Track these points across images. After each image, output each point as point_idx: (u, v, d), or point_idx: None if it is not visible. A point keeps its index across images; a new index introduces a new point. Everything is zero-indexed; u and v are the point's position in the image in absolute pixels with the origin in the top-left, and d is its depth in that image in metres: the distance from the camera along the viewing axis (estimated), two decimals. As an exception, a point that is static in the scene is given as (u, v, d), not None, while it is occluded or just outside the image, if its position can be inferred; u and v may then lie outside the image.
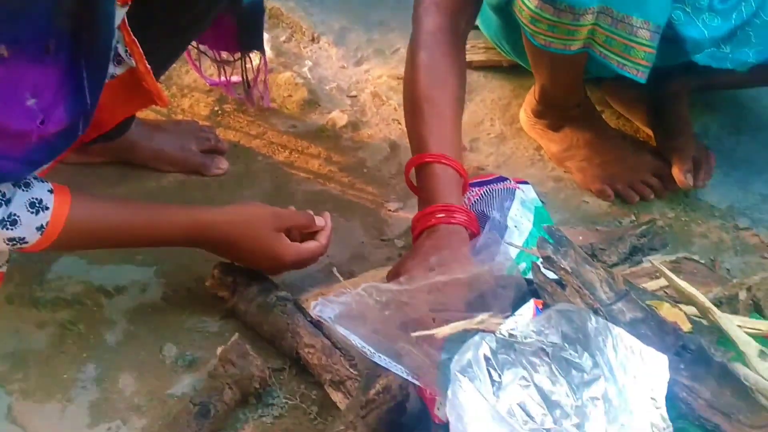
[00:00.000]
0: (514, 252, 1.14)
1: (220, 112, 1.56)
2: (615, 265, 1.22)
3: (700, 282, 1.17)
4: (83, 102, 0.89)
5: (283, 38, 1.73)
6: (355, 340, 0.89)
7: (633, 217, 1.38)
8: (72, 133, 0.91)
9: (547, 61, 1.33)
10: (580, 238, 1.28)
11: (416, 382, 0.89)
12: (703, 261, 1.24)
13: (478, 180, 1.27)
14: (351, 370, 1.08)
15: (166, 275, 1.25)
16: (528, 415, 0.79)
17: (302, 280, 1.26)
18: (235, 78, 1.47)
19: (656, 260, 1.20)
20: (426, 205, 1.13)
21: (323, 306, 0.92)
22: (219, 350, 1.09)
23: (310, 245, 1.16)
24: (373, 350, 0.89)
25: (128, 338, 1.17)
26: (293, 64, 1.66)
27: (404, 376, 0.89)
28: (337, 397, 1.08)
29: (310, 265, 1.19)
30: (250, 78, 1.46)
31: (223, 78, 1.48)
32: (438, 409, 0.99)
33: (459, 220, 1.08)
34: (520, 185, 1.26)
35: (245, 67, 1.44)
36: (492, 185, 1.23)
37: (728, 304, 1.09)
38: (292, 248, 1.14)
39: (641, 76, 1.17)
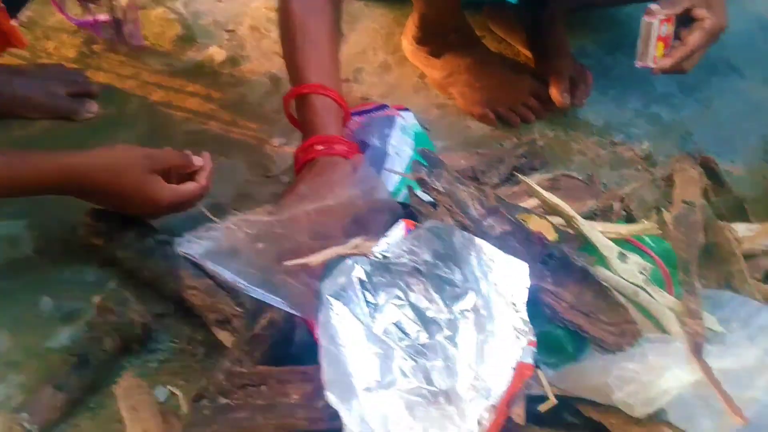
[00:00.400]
0: (396, 178, 1.14)
1: (88, 53, 1.47)
2: (497, 186, 1.24)
3: (578, 196, 1.20)
4: None
5: (153, -28, 1.64)
6: (227, 275, 0.88)
7: (515, 140, 1.39)
8: None
9: (423, -15, 1.31)
10: (463, 162, 1.29)
11: (295, 313, 0.88)
12: (580, 177, 1.27)
13: (359, 109, 1.25)
14: (236, 309, 1.07)
15: (37, 227, 1.19)
16: (404, 332, 0.80)
17: (183, 222, 1.22)
18: (103, 17, 1.39)
19: (532, 179, 1.22)
20: (306, 137, 1.11)
21: (189, 243, 0.89)
22: (96, 299, 1.06)
23: (189, 186, 1.12)
24: (246, 284, 0.87)
25: (1, 294, 1.11)
26: (165, 0, 1.58)
27: (282, 307, 0.88)
28: (223, 336, 1.06)
29: (190, 207, 1.14)
30: (118, 16, 1.38)
31: (89, 17, 1.39)
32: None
33: (338, 151, 1.06)
34: (401, 112, 1.26)
35: (113, 4, 1.36)
36: (372, 114, 1.22)
37: (603, 215, 1.13)
38: (169, 190, 1.09)
39: (513, -5, 1.17)
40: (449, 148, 1.38)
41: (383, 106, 1.25)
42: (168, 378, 1.04)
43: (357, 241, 0.85)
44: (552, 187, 1.23)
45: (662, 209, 1.21)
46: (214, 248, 0.89)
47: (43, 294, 1.11)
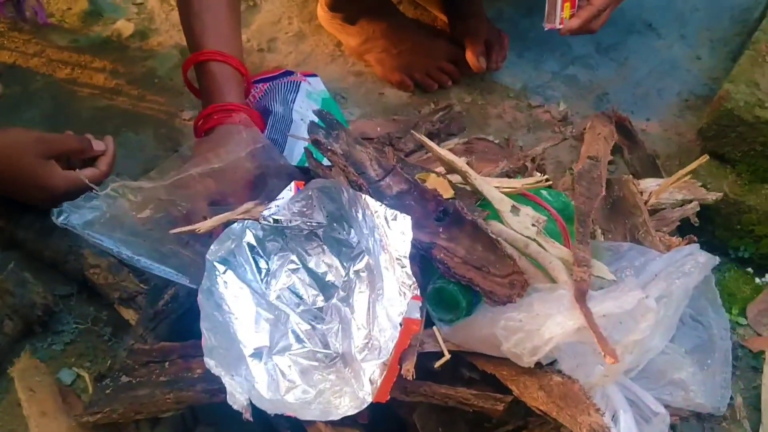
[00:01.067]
0: (303, 144, 1.12)
1: (-11, 31, 1.41)
2: (412, 152, 1.23)
3: (492, 159, 1.19)
4: None
5: (57, -54, 1.58)
6: (110, 246, 0.84)
7: (432, 105, 1.38)
8: None
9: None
10: (379, 129, 1.27)
11: (185, 283, 0.85)
12: (496, 140, 1.26)
13: (263, 76, 1.22)
14: (141, 286, 1.04)
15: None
16: (299, 297, 0.78)
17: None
18: (2, -7, 1.33)
19: (448, 144, 1.21)
20: (205, 106, 1.07)
21: (68, 212, 0.85)
22: (-7, 282, 1.02)
23: (86, 172, 1.04)
24: (130, 254, 0.84)
25: None
26: (70, -26, 1.52)
27: (172, 278, 0.85)
28: (128, 314, 1.03)
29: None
30: None
31: (-13, -6, 1.33)
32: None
33: (237, 119, 1.03)
34: (309, 78, 1.23)
35: (12, -20, 1.30)
36: (276, 80, 1.19)
37: (516, 174, 1.13)
38: (64, 177, 1.02)
39: (424, -41, 1.15)
40: (367, 115, 1.36)
41: (289, 72, 1.22)
42: (74, 360, 1.01)
43: (248, 205, 0.82)
44: (467, 150, 1.22)
45: (573, 168, 1.22)
46: (95, 218, 0.85)
47: (-60, 279, 1.07)
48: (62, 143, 1.05)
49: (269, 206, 0.80)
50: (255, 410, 0.76)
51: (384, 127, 1.29)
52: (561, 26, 1.18)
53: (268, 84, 1.18)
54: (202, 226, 0.81)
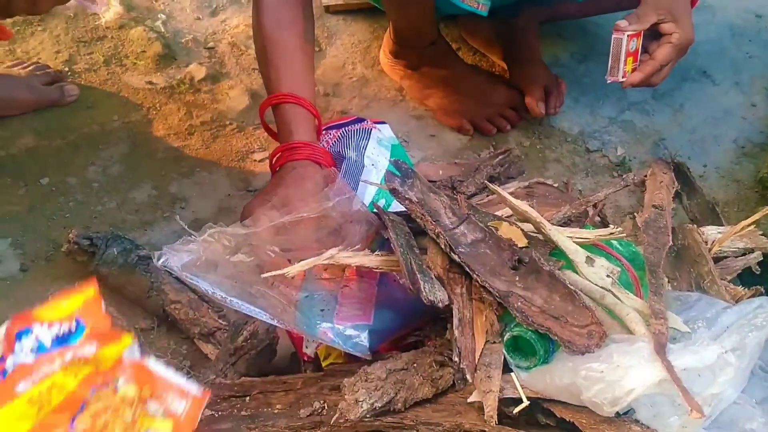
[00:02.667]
0: (374, 189, 1.16)
1: (70, 73, 1.49)
2: (473, 195, 1.26)
3: (552, 203, 1.22)
4: None
5: (133, -8, 1.67)
6: (205, 287, 0.89)
7: (491, 149, 1.42)
8: None
9: (397, 0, 1.34)
10: (441, 172, 1.32)
11: (274, 323, 0.90)
12: (555, 184, 1.29)
13: (336, 123, 1.28)
14: (220, 321, 1.09)
15: (21, 245, 1.20)
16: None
17: (168, 237, 1.24)
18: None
19: (508, 187, 1.25)
20: (279, 144, 1.13)
21: (168, 256, 0.90)
22: (80, 315, 1.07)
23: None
24: (224, 295, 0.89)
25: (-14, 313, 1.12)
26: (145, 19, 1.60)
27: (262, 318, 0.90)
28: (207, 349, 1.08)
29: None
30: None
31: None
32: (306, 346, 1.02)
33: (307, 155, 1.08)
34: (377, 125, 1.28)
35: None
36: (348, 127, 1.25)
37: (578, 221, 1.15)
38: None
39: (482, 9, 1.20)
40: (427, 158, 1.40)
41: (360, 120, 1.28)
42: (153, 391, 1.06)
43: (332, 251, 0.87)
44: (527, 195, 1.25)
45: (636, 214, 1.24)
46: (192, 261, 0.90)
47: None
48: None
49: (357, 254, 0.85)
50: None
51: (446, 170, 1.33)
52: (623, 79, 1.21)
53: (340, 130, 1.23)
54: (290, 270, 0.86)
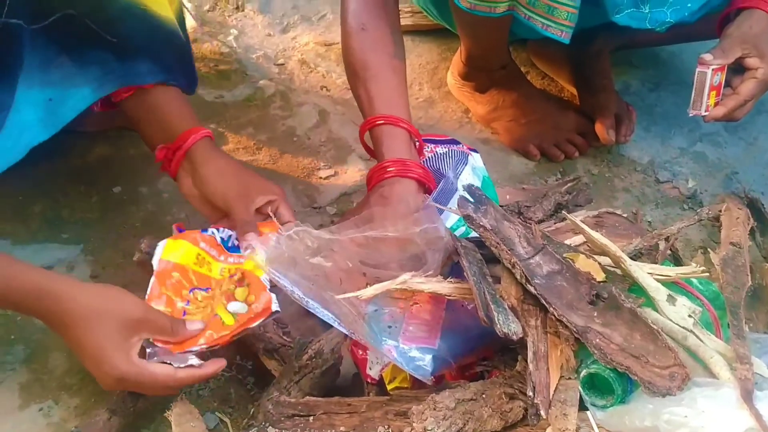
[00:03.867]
0: (455, 216, 1.15)
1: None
2: (540, 221, 1.25)
3: (622, 234, 1.20)
4: None
5: (207, 7, 1.70)
6: (286, 284, 0.90)
7: (559, 175, 1.41)
8: None
9: (472, 24, 1.33)
10: (508, 197, 1.31)
11: (345, 331, 0.90)
12: (625, 214, 1.27)
13: (432, 137, 1.26)
14: (284, 338, 1.09)
15: (93, 252, 1.23)
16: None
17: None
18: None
19: (577, 215, 1.23)
20: (380, 159, 1.14)
21: (255, 247, 0.92)
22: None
23: (163, 369, 0.92)
24: (302, 295, 0.89)
25: (57, 318, 1.15)
26: (218, 34, 1.63)
27: (334, 323, 0.90)
28: (271, 365, 1.08)
29: (163, 393, 0.97)
30: None
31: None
32: (370, 368, 1.01)
33: (413, 173, 1.10)
34: (471, 152, 1.27)
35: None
36: (448, 145, 1.24)
37: (648, 254, 1.13)
38: (134, 366, 0.90)
39: (565, 36, 1.19)
40: (493, 182, 1.39)
41: (456, 141, 1.27)
42: (217, 405, 1.07)
43: (406, 276, 0.86)
44: (596, 224, 1.23)
45: (709, 250, 1.22)
46: (276, 255, 0.92)
47: (98, 318, 1.15)
48: (153, 324, 0.94)
49: (430, 281, 0.84)
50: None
51: (513, 195, 1.32)
52: (706, 113, 1.19)
53: (439, 147, 1.23)
54: (364, 294, 0.86)
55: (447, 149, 1.25)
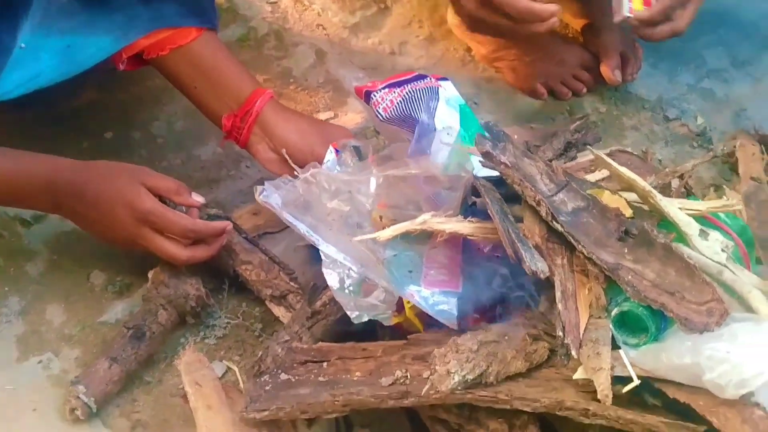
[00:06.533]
0: (445, 154, 1.11)
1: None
2: (550, 161, 1.21)
3: (634, 172, 1.17)
4: None
5: (192, -57, 1.61)
6: (302, 229, 0.87)
7: (566, 114, 1.37)
8: None
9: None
10: (515, 136, 1.23)
11: (362, 273, 0.86)
12: (635, 153, 1.24)
13: (395, 79, 1.19)
14: (292, 284, 1.06)
15: (87, 200, 1.18)
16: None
17: (234, 196, 1.22)
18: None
19: (586, 155, 1.20)
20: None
21: (270, 191, 0.88)
22: (150, 273, 1.05)
23: (199, 250, 1.01)
24: (320, 240, 0.86)
25: (52, 268, 1.11)
26: (206, -29, 1.55)
27: (350, 265, 0.87)
28: (279, 311, 1.05)
29: (174, 256, 1.01)
30: None
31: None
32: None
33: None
34: (441, 82, 1.20)
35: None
36: (413, 84, 1.17)
37: (662, 192, 1.10)
38: (152, 200, 0.98)
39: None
40: (499, 122, 1.34)
41: (422, 76, 1.19)
42: (224, 353, 1.04)
43: (426, 216, 0.83)
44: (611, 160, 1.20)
45: (723, 186, 1.19)
46: (292, 199, 0.88)
47: (94, 268, 1.11)
48: (161, 180, 1.02)
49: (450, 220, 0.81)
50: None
51: (521, 134, 1.28)
52: (630, 15, 1.15)
53: (404, 88, 1.16)
54: (382, 234, 0.82)
55: (413, 88, 1.17)
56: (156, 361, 1.02)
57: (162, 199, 1.01)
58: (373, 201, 0.88)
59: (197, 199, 1.03)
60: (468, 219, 0.85)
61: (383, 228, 0.84)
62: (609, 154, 1.23)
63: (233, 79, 1.12)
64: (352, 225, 0.87)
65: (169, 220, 0.98)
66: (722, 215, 0.84)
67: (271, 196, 0.88)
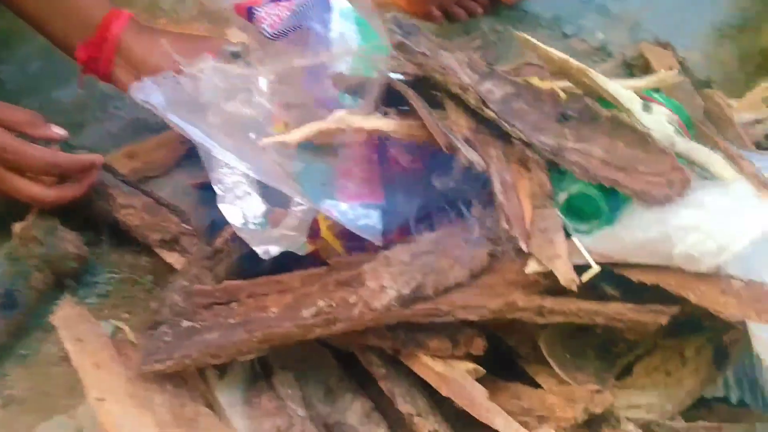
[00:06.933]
0: (349, 60, 1.00)
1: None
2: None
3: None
4: None
5: None
6: (193, 132, 0.72)
7: (463, 36, 1.30)
8: None
9: None
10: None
11: (266, 181, 0.74)
12: (542, 65, 1.18)
13: None
14: (183, 226, 0.92)
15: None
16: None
17: (103, 139, 1.06)
18: None
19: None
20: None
21: (150, 88, 0.73)
22: (16, 227, 0.88)
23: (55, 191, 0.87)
24: (219, 148, 0.72)
25: None
26: None
27: (253, 174, 0.74)
28: (172, 257, 0.91)
29: (38, 197, 0.87)
30: None
31: None
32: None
33: None
34: None
35: None
36: None
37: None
38: (12, 137, 0.84)
39: None
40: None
41: None
42: (110, 312, 0.88)
43: (341, 113, 0.72)
44: (517, 75, 1.14)
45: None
46: (178, 99, 0.73)
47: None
48: (8, 110, 0.88)
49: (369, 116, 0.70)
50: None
51: (420, 56, 1.20)
52: None
53: (292, 1, 1.04)
54: (293, 137, 0.70)
55: (301, 2, 1.06)
56: (30, 331, 0.86)
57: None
58: (278, 100, 0.75)
59: (57, 131, 0.87)
60: (390, 115, 0.74)
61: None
62: (517, 68, 1.17)
63: (83, 2, 0.96)
64: (255, 129, 0.73)
65: (26, 154, 0.83)
66: (657, 96, 0.79)
67: (152, 94, 0.73)
